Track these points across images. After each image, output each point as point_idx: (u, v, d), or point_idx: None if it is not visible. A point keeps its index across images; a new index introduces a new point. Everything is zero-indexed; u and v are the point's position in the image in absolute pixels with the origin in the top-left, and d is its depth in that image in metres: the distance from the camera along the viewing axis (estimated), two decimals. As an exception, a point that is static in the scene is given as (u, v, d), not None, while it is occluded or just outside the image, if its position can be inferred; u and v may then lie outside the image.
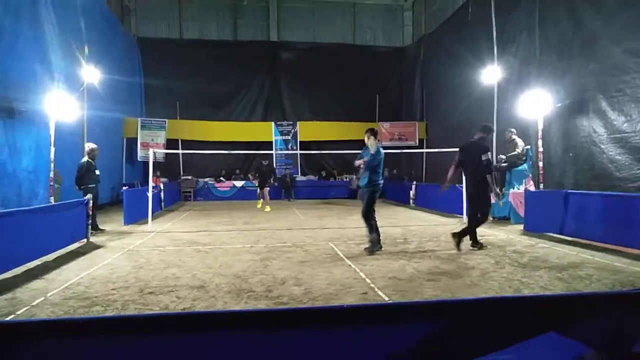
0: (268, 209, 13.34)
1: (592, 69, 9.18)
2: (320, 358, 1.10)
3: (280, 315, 1.17)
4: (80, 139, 11.74)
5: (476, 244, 6.53)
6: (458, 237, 6.44)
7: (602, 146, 8.90)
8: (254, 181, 17.41)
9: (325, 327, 1.12)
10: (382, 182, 6.55)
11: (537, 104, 8.97)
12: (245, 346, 1.09)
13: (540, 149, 9.04)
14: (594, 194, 7.29)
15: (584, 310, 1.20)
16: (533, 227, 8.03)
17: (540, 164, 9.14)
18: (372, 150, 6.43)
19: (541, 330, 1.14)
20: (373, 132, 6.63)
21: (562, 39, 10.11)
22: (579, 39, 9.56)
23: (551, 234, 7.54)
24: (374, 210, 6.53)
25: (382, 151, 6.55)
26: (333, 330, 1.12)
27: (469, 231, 6.54)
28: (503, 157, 10.41)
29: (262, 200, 13.90)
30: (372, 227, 6.45)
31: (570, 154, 9.83)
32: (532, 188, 9.36)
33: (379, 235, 6.47)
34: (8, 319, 3.59)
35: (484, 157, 6.40)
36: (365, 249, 6.44)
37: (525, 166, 9.85)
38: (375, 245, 6.39)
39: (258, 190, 14.25)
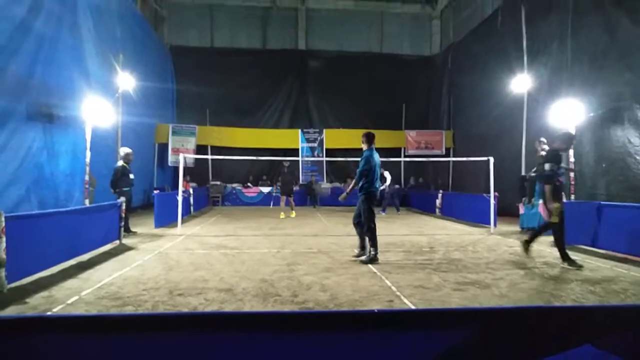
0: (293, 214, 13.26)
1: (627, 78, 8.95)
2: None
3: (312, 318, 1.20)
4: (115, 143, 12.11)
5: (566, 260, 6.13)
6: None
7: (638, 157, 8.64)
8: (277, 189, 17.46)
9: (354, 331, 1.15)
10: (374, 189, 6.40)
11: (568, 114, 8.78)
12: (275, 347, 1.12)
13: (572, 159, 8.84)
14: (629, 205, 7.08)
15: (621, 322, 1.18)
16: (564, 239, 7.83)
17: (572, 174, 8.93)
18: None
19: (575, 344, 1.13)
20: (364, 136, 6.62)
21: (595, 48, 9.90)
22: (614, 48, 9.34)
23: (583, 246, 7.36)
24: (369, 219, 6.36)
25: (374, 157, 6.43)
26: (361, 334, 1.14)
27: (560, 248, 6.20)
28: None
29: (285, 209, 13.42)
30: (362, 236, 6.43)
31: (603, 165, 9.57)
32: (563, 199, 9.15)
33: (363, 247, 6.43)
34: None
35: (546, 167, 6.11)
36: (361, 260, 6.31)
37: (556, 177, 9.63)
38: (371, 254, 6.27)
39: (281, 197, 13.60)
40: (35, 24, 8.48)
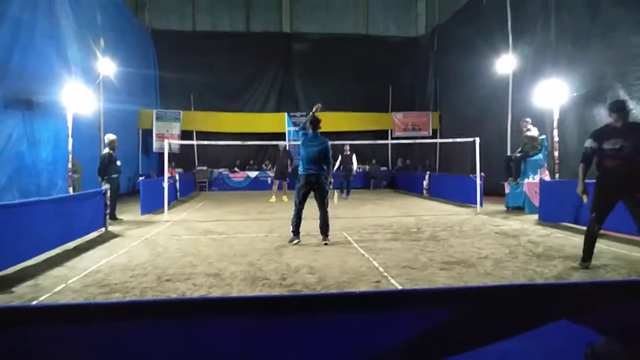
0: (285, 198, 12.93)
1: (610, 57, 9.02)
2: (332, 343, 1.14)
3: (296, 301, 1.21)
4: (97, 130, 11.94)
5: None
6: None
7: (620, 136, 8.76)
8: (269, 171, 17.29)
9: (337, 313, 1.16)
10: (299, 173, 6.56)
11: (552, 94, 8.86)
12: (261, 331, 1.13)
13: (556, 139, 8.94)
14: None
15: (596, 298, 1.21)
16: (548, 217, 7.98)
17: (556, 153, 9.05)
18: None
19: (552, 318, 1.16)
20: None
21: (579, 28, 9.93)
22: (597, 27, 9.38)
23: (566, 224, 7.50)
24: (298, 202, 6.55)
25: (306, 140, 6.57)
26: (345, 316, 1.16)
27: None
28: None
29: (278, 193, 13.27)
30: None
31: (587, 144, 9.69)
32: (547, 178, 9.29)
33: (294, 229, 6.51)
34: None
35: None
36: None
37: (540, 156, 9.76)
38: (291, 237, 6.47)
39: (274, 181, 13.38)
40: (10, 9, 8.23)
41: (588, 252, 4.80)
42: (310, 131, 6.61)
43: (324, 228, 6.47)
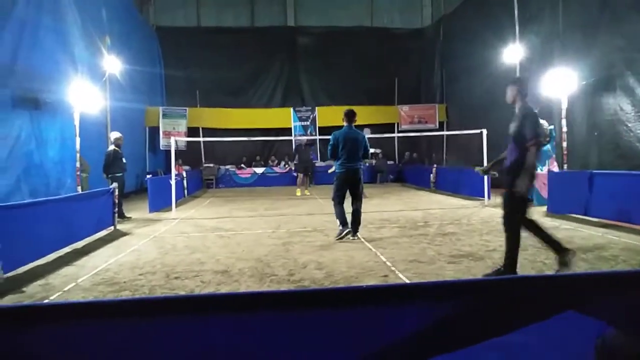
0: (307, 192, 13.18)
1: (619, 45, 8.88)
2: (341, 337, 1.14)
3: (304, 296, 1.21)
4: (104, 129, 11.98)
5: None
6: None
7: (629, 124, 8.65)
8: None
9: (344, 307, 1.15)
10: (339, 169, 6.32)
11: (560, 83, 8.75)
12: (271, 326, 1.12)
13: (564, 129, 8.84)
14: (620, 173, 7.13)
15: (604, 289, 1.19)
16: (557, 209, 7.91)
17: (564, 144, 8.94)
18: None
19: (560, 309, 1.14)
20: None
21: (586, 16, 9.78)
22: (606, 15, 9.23)
23: (575, 215, 7.43)
24: (338, 195, 6.41)
25: (335, 136, 6.31)
26: (354, 310, 1.15)
27: None
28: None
29: (302, 186, 13.47)
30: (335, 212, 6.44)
31: (595, 133, 9.58)
32: (555, 169, 9.20)
33: (343, 220, 6.35)
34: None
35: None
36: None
37: (548, 147, 9.65)
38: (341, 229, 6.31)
39: (299, 175, 13.57)
40: (15, 9, 8.26)
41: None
42: (346, 124, 6.37)
43: (357, 223, 6.37)
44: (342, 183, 6.33)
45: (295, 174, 14.53)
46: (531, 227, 4.15)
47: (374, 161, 18.66)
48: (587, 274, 1.58)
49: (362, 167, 6.43)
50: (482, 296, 1.15)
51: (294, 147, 16.93)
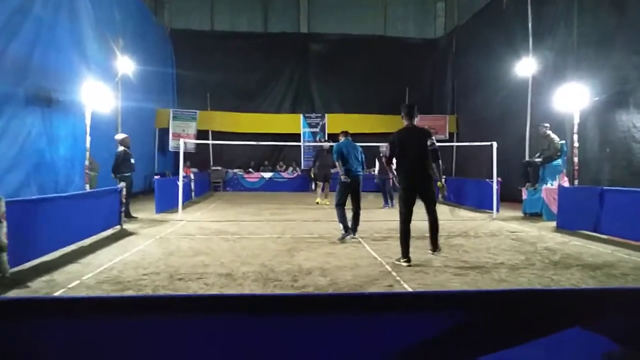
0: (327, 202, 12.11)
1: (634, 62, 8.80)
2: (345, 344, 1.12)
3: (306, 300, 1.19)
4: (115, 129, 12.07)
5: None
6: None
7: (643, 142, 8.56)
8: (284, 172, 17.04)
9: (346, 314, 1.14)
10: (345, 177, 6.96)
11: (573, 98, 8.67)
12: (273, 330, 1.11)
13: (576, 144, 8.75)
14: (632, 190, 7.02)
15: (612, 305, 1.17)
16: (566, 224, 7.81)
17: (576, 159, 8.85)
18: None
19: (565, 325, 1.12)
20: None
21: (602, 31, 9.72)
22: (622, 31, 9.16)
23: (585, 232, 7.33)
24: (344, 202, 7.04)
25: (339, 146, 7.13)
26: (355, 318, 1.13)
27: None
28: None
29: (321, 195, 12.71)
30: (338, 216, 7.01)
31: (607, 150, 9.48)
32: (566, 184, 9.10)
33: (346, 225, 6.90)
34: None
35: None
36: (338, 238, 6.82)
37: (559, 161, 9.57)
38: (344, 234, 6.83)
39: (319, 183, 12.75)
40: (33, 7, 8.38)
41: None
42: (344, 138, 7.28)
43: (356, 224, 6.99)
44: (346, 189, 7.02)
45: (313, 182, 13.97)
46: None
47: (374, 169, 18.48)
48: (594, 289, 1.55)
49: (361, 174, 7.20)
50: (487, 308, 1.13)
51: (301, 150, 16.76)
